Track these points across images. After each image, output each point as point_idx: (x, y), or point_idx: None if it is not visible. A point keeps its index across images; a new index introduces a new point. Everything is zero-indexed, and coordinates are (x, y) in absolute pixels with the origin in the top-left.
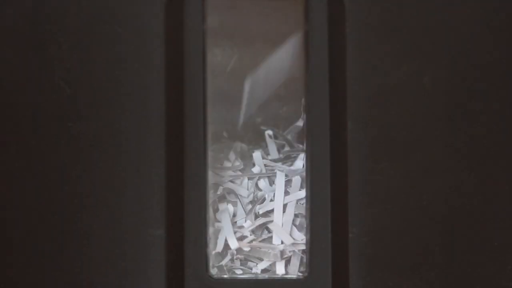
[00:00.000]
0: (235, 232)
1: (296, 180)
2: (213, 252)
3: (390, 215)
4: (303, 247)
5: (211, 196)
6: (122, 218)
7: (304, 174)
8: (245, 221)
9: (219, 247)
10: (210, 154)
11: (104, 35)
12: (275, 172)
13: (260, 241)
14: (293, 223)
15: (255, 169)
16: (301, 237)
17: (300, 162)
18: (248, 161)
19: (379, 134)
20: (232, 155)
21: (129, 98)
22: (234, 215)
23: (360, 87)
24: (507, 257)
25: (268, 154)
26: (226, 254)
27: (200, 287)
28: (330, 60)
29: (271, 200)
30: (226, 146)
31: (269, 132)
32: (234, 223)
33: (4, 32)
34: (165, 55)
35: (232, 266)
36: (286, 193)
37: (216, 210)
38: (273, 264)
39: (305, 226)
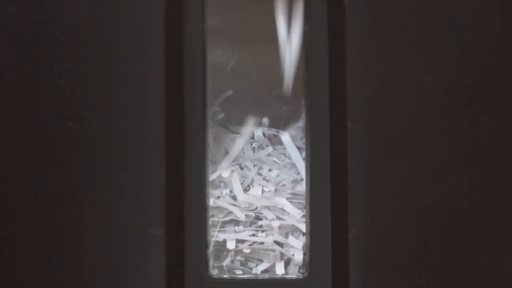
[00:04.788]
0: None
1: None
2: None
3: (390, 215)
4: (303, 247)
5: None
6: (122, 218)
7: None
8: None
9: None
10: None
11: (104, 35)
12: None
13: (260, 243)
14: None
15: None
16: (300, 237)
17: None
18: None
19: (379, 134)
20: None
21: (129, 98)
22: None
23: (360, 87)
24: (507, 257)
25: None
26: (227, 255)
27: (200, 287)
28: (330, 60)
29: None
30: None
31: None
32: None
33: (4, 32)
34: (165, 55)
35: (232, 267)
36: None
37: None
38: (273, 264)
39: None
